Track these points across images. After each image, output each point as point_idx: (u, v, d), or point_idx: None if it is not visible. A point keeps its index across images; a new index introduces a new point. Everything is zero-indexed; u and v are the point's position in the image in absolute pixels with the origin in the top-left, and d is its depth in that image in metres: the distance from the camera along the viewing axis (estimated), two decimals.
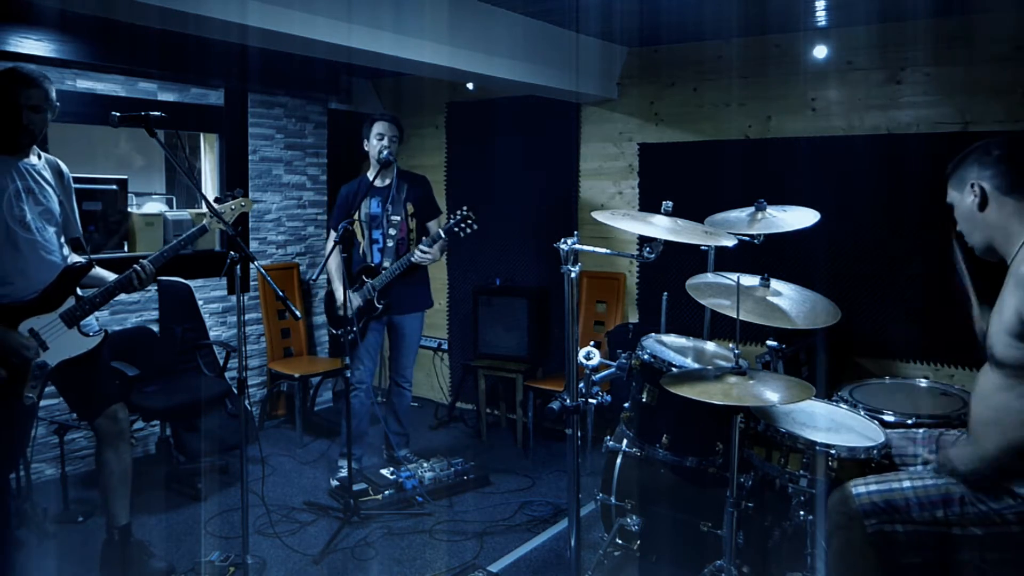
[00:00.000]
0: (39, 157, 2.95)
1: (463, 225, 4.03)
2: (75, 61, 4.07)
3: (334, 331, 4.24)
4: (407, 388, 4.36)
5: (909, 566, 2.13)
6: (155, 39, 3.82)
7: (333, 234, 4.21)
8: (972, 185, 2.13)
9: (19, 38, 3.80)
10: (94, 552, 3.23)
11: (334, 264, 4.10)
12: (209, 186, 5.09)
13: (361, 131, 4.18)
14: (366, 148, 4.15)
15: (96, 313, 2.98)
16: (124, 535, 3.14)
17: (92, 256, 3.14)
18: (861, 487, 2.17)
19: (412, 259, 4.05)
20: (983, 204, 2.12)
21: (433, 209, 4.31)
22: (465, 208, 4.06)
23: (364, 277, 4.11)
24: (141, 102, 4.44)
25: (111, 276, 2.96)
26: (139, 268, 2.89)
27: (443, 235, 4.04)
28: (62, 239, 3.00)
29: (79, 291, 2.90)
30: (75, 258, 3.04)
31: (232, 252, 2.71)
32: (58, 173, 3.01)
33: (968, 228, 2.20)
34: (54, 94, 2.84)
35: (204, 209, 4.96)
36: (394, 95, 5.93)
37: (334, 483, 4.14)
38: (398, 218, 4.16)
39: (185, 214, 4.83)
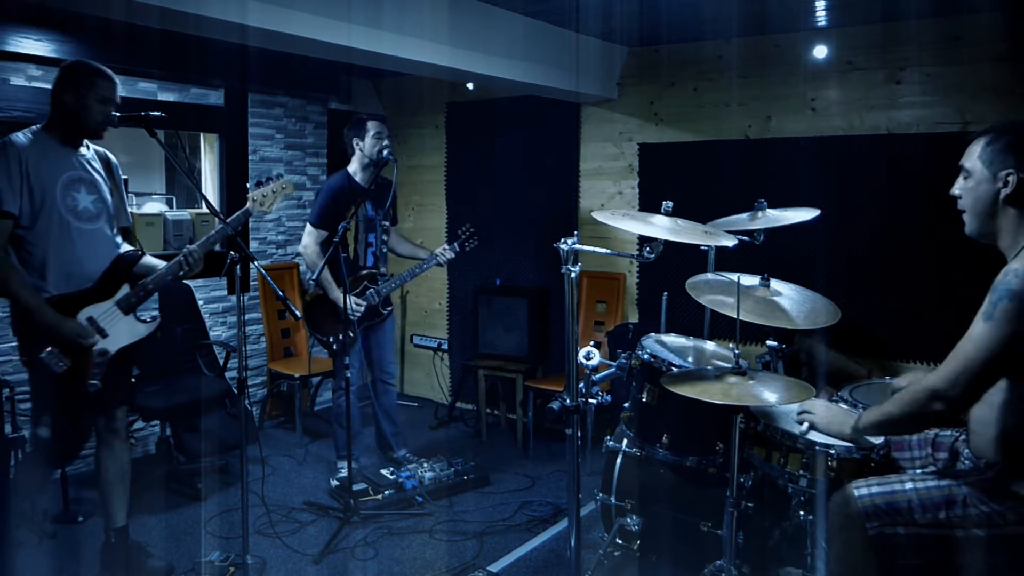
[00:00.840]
0: (88, 148, 2.98)
1: (468, 243, 4.24)
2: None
3: (328, 339, 4.07)
4: (392, 384, 4.38)
5: (909, 568, 2.11)
6: (155, 39, 3.81)
7: (314, 232, 4.05)
8: (1009, 175, 1.95)
9: (19, 38, 3.80)
10: (93, 552, 3.23)
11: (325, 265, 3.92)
12: (209, 186, 5.09)
13: (348, 130, 4.10)
14: (356, 147, 4.07)
15: None
16: (120, 537, 3.13)
17: None
18: (863, 488, 2.12)
19: (439, 261, 4.16)
20: (1012, 199, 1.97)
21: (395, 216, 4.43)
22: (468, 225, 4.27)
23: (368, 282, 4.09)
24: (141, 102, 4.44)
25: (160, 263, 3.00)
26: (188, 252, 2.93)
27: (457, 249, 4.18)
28: (114, 229, 3.04)
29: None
30: (127, 247, 3.08)
31: (232, 252, 2.71)
32: (107, 163, 3.04)
33: (976, 209, 2.04)
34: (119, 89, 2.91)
35: (204, 209, 4.99)
36: (394, 95, 5.93)
37: (334, 483, 4.14)
38: (388, 222, 4.22)
39: (185, 214, 4.83)
